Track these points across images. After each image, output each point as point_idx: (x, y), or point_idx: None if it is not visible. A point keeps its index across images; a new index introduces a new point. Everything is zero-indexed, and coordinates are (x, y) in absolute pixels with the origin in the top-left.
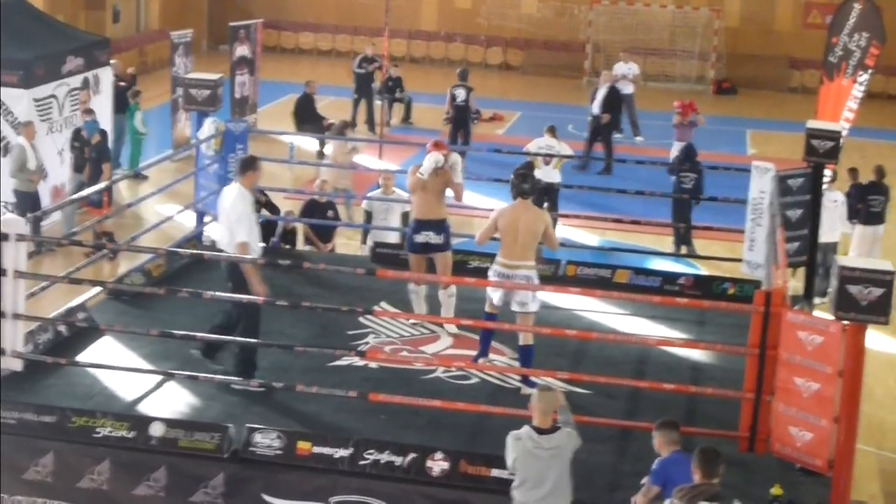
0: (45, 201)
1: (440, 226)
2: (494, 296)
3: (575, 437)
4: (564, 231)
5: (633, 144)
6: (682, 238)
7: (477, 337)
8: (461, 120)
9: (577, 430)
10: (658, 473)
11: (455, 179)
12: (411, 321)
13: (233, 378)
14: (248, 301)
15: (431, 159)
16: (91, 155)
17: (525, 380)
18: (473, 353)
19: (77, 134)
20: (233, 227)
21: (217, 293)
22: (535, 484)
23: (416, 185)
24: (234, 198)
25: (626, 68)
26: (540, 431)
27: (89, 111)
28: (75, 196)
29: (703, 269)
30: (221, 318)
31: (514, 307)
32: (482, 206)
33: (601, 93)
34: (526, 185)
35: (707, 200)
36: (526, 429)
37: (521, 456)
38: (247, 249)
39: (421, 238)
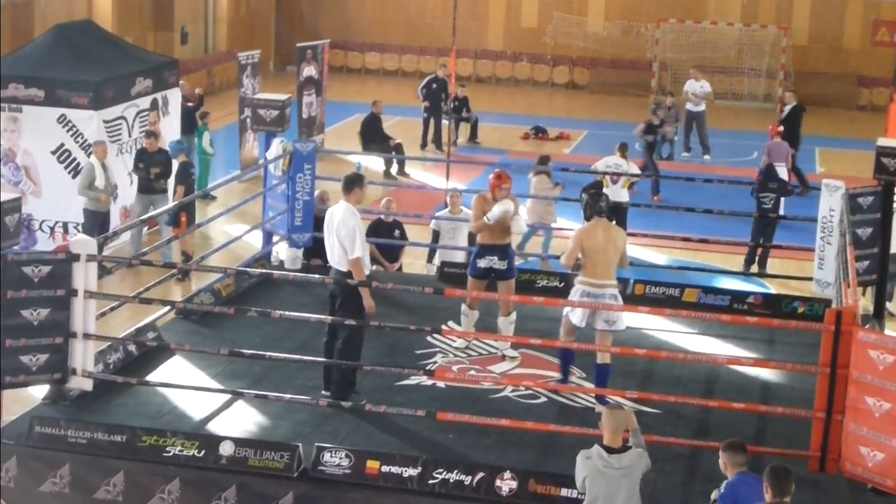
0: (115, 222)
1: (504, 251)
2: (575, 317)
3: (645, 457)
4: (633, 250)
5: (703, 163)
6: (760, 258)
7: (544, 356)
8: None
9: (648, 452)
10: (726, 497)
11: (514, 230)
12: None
13: (302, 397)
14: (354, 318)
15: (500, 209)
16: (168, 174)
17: (600, 399)
18: (541, 372)
19: (140, 155)
20: (345, 244)
21: (286, 312)
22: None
23: (482, 227)
24: (344, 214)
25: (698, 86)
26: (610, 451)
27: (152, 133)
28: (144, 217)
29: (772, 288)
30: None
31: (601, 325)
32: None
33: (787, 112)
34: (602, 204)
35: (778, 219)
36: (596, 448)
37: (591, 475)
38: (360, 264)
39: (484, 263)
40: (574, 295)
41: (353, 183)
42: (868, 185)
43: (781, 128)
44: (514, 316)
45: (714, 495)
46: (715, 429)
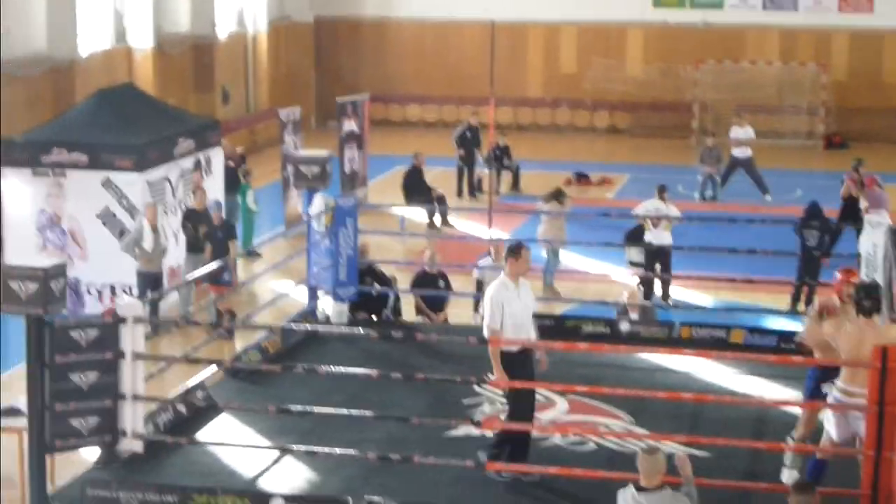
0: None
1: None
2: (833, 431)
3: (682, 499)
4: (677, 292)
5: (763, 203)
6: (807, 297)
7: (592, 402)
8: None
9: (696, 500)
10: None
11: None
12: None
13: (351, 451)
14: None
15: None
16: (214, 234)
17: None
18: (590, 418)
19: (189, 213)
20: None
21: (332, 367)
22: None
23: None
24: (491, 285)
25: (743, 132)
26: (641, 489)
27: (200, 189)
28: (193, 275)
29: None
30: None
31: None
32: (592, 270)
33: None
34: (867, 303)
35: (822, 256)
36: (630, 486)
37: None
38: (492, 335)
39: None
40: (829, 399)
41: (509, 253)
42: None
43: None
44: None
45: None
46: (765, 470)
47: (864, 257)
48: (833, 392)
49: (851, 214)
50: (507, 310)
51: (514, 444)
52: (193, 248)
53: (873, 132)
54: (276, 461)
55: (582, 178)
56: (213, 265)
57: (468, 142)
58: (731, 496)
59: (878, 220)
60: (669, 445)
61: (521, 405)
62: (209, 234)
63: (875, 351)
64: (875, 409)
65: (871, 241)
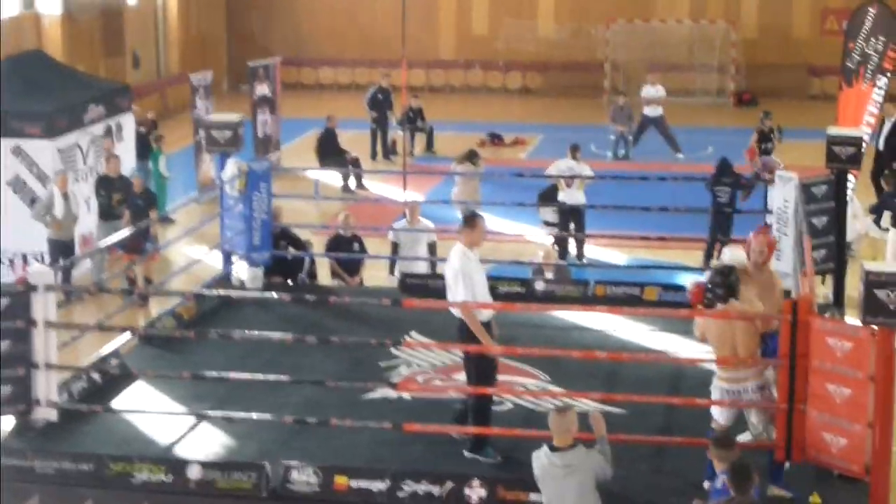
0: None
1: None
2: (722, 417)
3: (597, 457)
4: (592, 251)
5: (675, 161)
6: (719, 253)
7: (508, 362)
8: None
9: (610, 457)
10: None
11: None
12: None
13: (267, 416)
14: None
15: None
16: (133, 201)
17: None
18: (506, 377)
19: (101, 180)
20: (449, 285)
21: (247, 332)
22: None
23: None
24: (451, 256)
25: (654, 91)
26: (554, 449)
27: (113, 156)
28: (106, 243)
29: None
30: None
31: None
32: (507, 230)
33: (888, 126)
34: (719, 291)
35: (733, 213)
36: (544, 447)
37: (540, 474)
38: (467, 309)
39: None
40: (714, 393)
41: (464, 223)
42: (821, 174)
43: (756, 151)
44: None
45: (707, 485)
46: (681, 426)
47: (776, 213)
48: (718, 384)
49: None
50: (474, 279)
51: (476, 410)
52: (106, 215)
53: (782, 88)
54: (192, 428)
55: (495, 139)
56: (128, 232)
57: (381, 104)
58: (646, 452)
59: (789, 176)
60: (585, 403)
61: (488, 372)
62: (126, 201)
63: (786, 305)
64: (787, 361)
65: (782, 197)
